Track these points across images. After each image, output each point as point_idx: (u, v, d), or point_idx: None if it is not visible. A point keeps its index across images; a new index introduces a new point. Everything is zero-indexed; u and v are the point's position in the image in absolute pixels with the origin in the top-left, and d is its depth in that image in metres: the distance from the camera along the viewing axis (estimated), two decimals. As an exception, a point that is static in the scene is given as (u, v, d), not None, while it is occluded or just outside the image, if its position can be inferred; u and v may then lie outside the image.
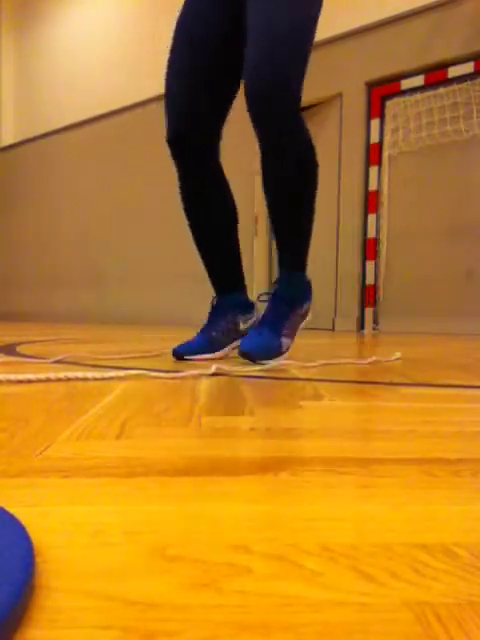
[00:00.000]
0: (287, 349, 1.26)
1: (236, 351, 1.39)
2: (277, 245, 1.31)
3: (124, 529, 0.28)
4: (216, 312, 1.40)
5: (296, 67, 1.13)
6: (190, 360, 1.27)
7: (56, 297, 6.18)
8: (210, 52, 1.26)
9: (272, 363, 1.15)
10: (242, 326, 1.41)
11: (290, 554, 0.25)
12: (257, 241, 4.66)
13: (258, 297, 1.35)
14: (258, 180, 4.63)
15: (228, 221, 1.39)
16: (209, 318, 1.40)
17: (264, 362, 1.15)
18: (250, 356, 1.17)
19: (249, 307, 1.44)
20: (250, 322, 1.43)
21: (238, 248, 1.42)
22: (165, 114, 1.31)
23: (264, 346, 1.20)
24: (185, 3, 1.30)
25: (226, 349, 1.38)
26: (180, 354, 1.28)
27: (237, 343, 1.40)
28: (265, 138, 1.17)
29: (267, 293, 1.32)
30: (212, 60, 1.27)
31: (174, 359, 1.29)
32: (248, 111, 1.14)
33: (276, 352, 1.22)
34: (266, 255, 4.78)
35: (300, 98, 1.15)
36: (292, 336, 1.29)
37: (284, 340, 1.25)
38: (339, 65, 4.08)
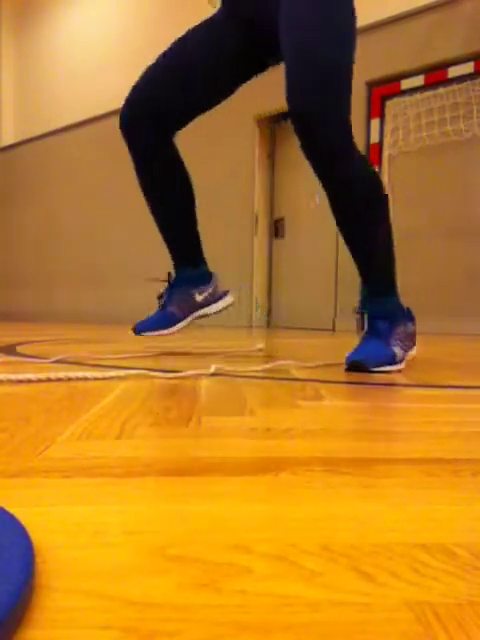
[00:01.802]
0: (401, 360, 1.14)
1: (195, 316, 1.39)
2: (357, 267, 1.23)
3: (124, 529, 0.28)
4: (173, 286, 1.42)
5: (335, 97, 1.07)
6: (148, 335, 1.29)
7: (56, 297, 6.18)
8: (203, 63, 1.25)
9: (390, 368, 1.07)
10: (198, 297, 1.41)
11: (290, 554, 0.25)
12: (257, 241, 4.66)
13: (356, 311, 1.26)
14: (259, 179, 4.63)
15: (183, 199, 1.39)
16: (167, 293, 1.42)
17: (381, 369, 1.07)
18: (360, 365, 1.06)
19: (204, 278, 1.44)
20: (207, 292, 1.43)
21: (195, 224, 1.42)
22: (127, 98, 1.32)
23: (375, 353, 1.10)
24: (206, 20, 1.29)
25: (183, 323, 1.38)
26: (139, 331, 1.31)
27: (197, 313, 1.42)
28: (318, 170, 1.10)
29: (359, 309, 1.24)
30: (203, 68, 1.25)
31: (133, 334, 1.32)
32: (300, 142, 1.08)
33: (390, 359, 1.10)
34: (266, 255, 4.78)
35: (346, 126, 1.09)
36: (404, 349, 1.17)
37: (397, 350, 1.13)
38: (339, 65, 4.07)
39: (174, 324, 1.36)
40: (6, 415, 0.58)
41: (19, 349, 1.57)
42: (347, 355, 1.10)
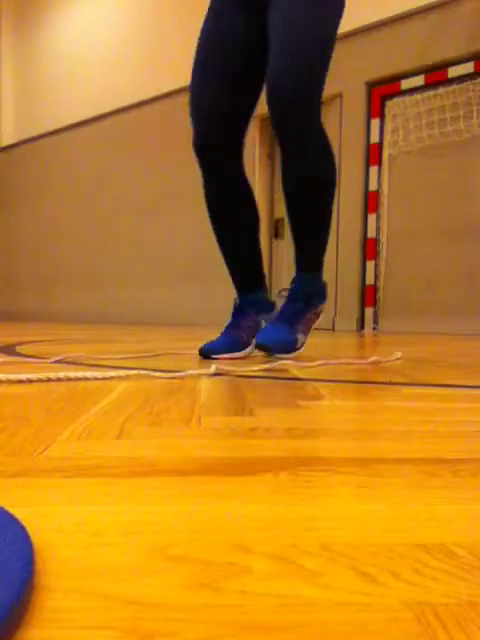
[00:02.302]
0: (301, 345, 1.32)
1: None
2: (294, 245, 1.35)
3: (124, 529, 0.28)
4: (239, 312, 1.44)
5: (315, 81, 1.18)
6: (217, 359, 1.29)
7: (56, 297, 6.18)
8: (237, 55, 1.30)
9: (288, 356, 1.22)
10: (263, 325, 1.44)
11: (290, 554, 0.25)
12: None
13: (279, 292, 1.41)
14: (259, 181, 4.63)
15: (250, 223, 1.43)
16: (232, 317, 1.44)
17: (280, 356, 1.21)
18: (268, 349, 1.23)
19: (270, 307, 1.48)
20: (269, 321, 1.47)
21: (259, 249, 1.46)
22: (191, 116, 1.33)
23: (281, 341, 1.27)
24: (211, 8, 1.31)
25: (250, 348, 1.41)
26: (207, 353, 1.31)
27: None
28: (285, 143, 1.22)
29: (286, 288, 1.37)
30: (238, 63, 1.30)
31: (201, 358, 1.31)
32: (270, 117, 1.18)
33: (292, 347, 1.28)
34: (266, 255, 4.78)
35: (319, 109, 1.21)
36: (306, 333, 1.35)
37: (299, 337, 1.31)
38: (339, 65, 4.07)
39: (241, 349, 1.39)
40: (6, 415, 0.58)
41: (19, 349, 1.57)
42: (258, 334, 1.28)
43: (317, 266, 1.37)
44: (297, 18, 1.17)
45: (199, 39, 1.33)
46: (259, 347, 1.24)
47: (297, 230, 1.32)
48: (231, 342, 1.37)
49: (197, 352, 1.34)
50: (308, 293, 1.35)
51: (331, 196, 1.30)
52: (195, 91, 1.32)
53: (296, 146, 1.21)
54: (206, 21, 1.32)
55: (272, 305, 1.49)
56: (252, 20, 1.28)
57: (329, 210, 1.32)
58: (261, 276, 1.48)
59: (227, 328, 1.42)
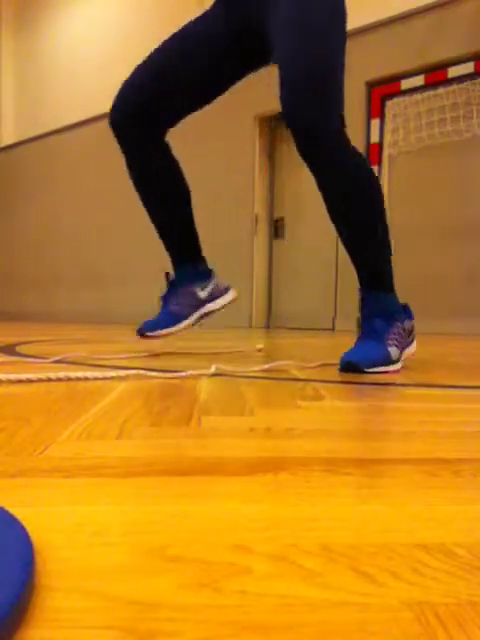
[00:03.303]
0: (398, 360, 1.13)
1: (201, 312, 1.38)
2: (353, 266, 1.22)
3: (124, 529, 0.28)
4: (171, 286, 1.40)
5: (332, 100, 1.09)
6: (154, 336, 1.26)
7: (56, 297, 6.18)
8: (191, 62, 1.25)
9: (386, 369, 1.07)
10: (200, 294, 1.40)
11: (290, 554, 0.25)
12: (257, 241, 4.66)
13: (357, 320, 1.24)
14: (259, 179, 4.63)
15: (178, 197, 1.39)
16: (167, 293, 1.40)
17: (376, 370, 1.06)
18: (354, 366, 1.04)
19: (205, 275, 1.43)
20: (209, 288, 1.41)
21: (192, 222, 1.41)
22: (117, 95, 1.31)
23: (369, 353, 1.08)
24: (195, 18, 1.29)
25: (188, 320, 1.37)
26: (143, 332, 1.28)
27: (203, 310, 1.40)
28: (313, 164, 1.12)
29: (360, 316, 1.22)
30: (191, 68, 1.26)
31: (138, 337, 1.29)
32: (295, 145, 1.10)
33: (384, 359, 1.09)
34: (266, 255, 4.78)
35: (341, 129, 1.12)
36: (401, 348, 1.16)
37: (393, 350, 1.12)
38: (339, 65, 4.08)
39: (179, 322, 1.34)
40: (6, 415, 0.58)
41: (19, 349, 1.57)
42: (341, 355, 1.09)
43: (382, 286, 1.19)
44: (301, 48, 1.08)
45: (166, 39, 1.30)
46: (345, 368, 1.05)
47: (348, 249, 1.19)
48: (167, 317, 1.33)
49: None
50: (381, 309, 1.17)
51: (373, 206, 1.16)
52: (133, 72, 1.30)
53: (323, 170, 1.12)
54: (185, 24, 1.30)
55: (208, 272, 1.43)
56: (228, 26, 1.25)
57: (374, 223, 1.17)
58: (195, 248, 1.42)
59: (163, 304, 1.37)
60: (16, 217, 6.57)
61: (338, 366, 1.08)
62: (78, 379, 0.87)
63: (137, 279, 5.44)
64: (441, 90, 3.72)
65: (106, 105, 5.91)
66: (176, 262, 1.43)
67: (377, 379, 0.97)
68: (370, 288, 1.19)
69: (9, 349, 1.57)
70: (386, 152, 3.98)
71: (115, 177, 5.54)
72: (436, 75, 3.74)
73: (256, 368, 1.06)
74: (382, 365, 1.07)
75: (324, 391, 0.80)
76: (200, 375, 0.96)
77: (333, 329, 4.17)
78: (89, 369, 1.02)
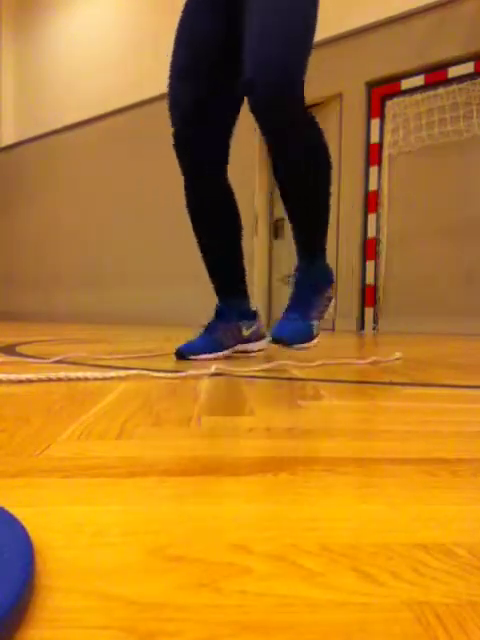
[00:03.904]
0: (318, 333, 1.29)
1: (238, 348, 1.40)
2: (293, 233, 1.31)
3: (124, 529, 0.28)
4: (219, 316, 1.41)
5: (298, 67, 1.11)
6: (193, 359, 1.27)
7: (56, 297, 6.18)
8: (210, 52, 1.26)
9: (307, 345, 1.21)
10: (245, 332, 1.42)
11: (290, 554, 0.25)
12: (257, 241, 4.66)
13: (286, 277, 1.41)
14: (258, 179, 4.63)
15: (233, 230, 1.40)
16: (212, 321, 1.40)
17: (299, 346, 1.19)
18: (284, 341, 1.18)
19: (252, 315, 1.46)
20: (251, 329, 1.44)
21: (242, 257, 1.44)
22: (171, 116, 1.31)
23: (297, 331, 1.22)
24: (185, 5, 1.30)
25: (228, 351, 1.38)
26: (183, 353, 1.28)
27: (240, 347, 1.42)
28: (270, 132, 1.16)
29: (291, 275, 1.35)
30: (213, 59, 1.27)
31: (176, 359, 1.28)
32: (251, 111, 1.12)
33: (309, 336, 1.24)
34: (266, 255, 4.78)
35: (303, 96, 1.14)
36: (320, 318, 1.32)
37: (314, 323, 1.28)
38: (339, 65, 4.08)
39: (220, 350, 1.35)
40: (6, 415, 0.58)
41: (19, 349, 1.57)
42: (272, 330, 1.23)
43: (318, 251, 1.32)
44: (274, 5, 1.11)
45: (174, 40, 1.31)
46: (275, 341, 1.20)
47: (293, 216, 1.28)
48: (208, 343, 1.33)
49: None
50: (313, 279, 1.31)
51: (325, 178, 1.25)
52: (173, 92, 1.30)
53: (282, 134, 1.15)
54: (180, 21, 1.31)
55: (255, 314, 1.46)
56: (222, 14, 1.25)
57: (325, 191, 1.26)
58: (244, 284, 1.44)
59: (206, 330, 1.37)
60: (16, 217, 6.56)
61: (269, 338, 1.23)
62: (78, 379, 0.87)
63: (137, 279, 5.44)
64: (441, 90, 3.72)
65: (106, 105, 5.92)
66: (223, 295, 1.44)
67: (377, 379, 0.97)
68: (307, 253, 1.31)
69: (9, 349, 1.57)
70: (386, 152, 3.98)
71: (115, 177, 5.54)
72: (436, 75, 3.74)
73: (256, 368, 1.06)
74: (307, 341, 1.23)
75: (324, 391, 0.80)
76: (200, 375, 0.96)
77: (333, 329, 4.17)
78: (89, 369, 1.02)
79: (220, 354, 1.35)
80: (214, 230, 1.39)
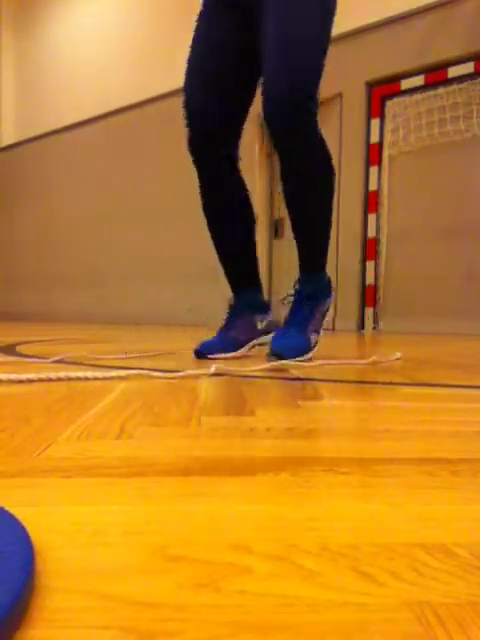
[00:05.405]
0: (315, 345, 1.32)
1: (258, 349, 1.43)
2: (297, 246, 1.35)
3: (124, 529, 0.28)
4: (233, 312, 1.44)
5: (312, 80, 1.18)
6: (212, 358, 1.29)
7: (56, 297, 6.18)
8: (226, 61, 1.31)
9: (303, 358, 1.22)
10: (259, 325, 1.44)
11: (290, 554, 0.25)
12: (257, 241, 4.66)
13: (283, 299, 1.41)
14: (259, 181, 4.63)
15: (247, 224, 1.43)
16: (227, 318, 1.44)
17: (297, 359, 1.19)
18: (282, 356, 1.19)
19: (265, 307, 1.48)
20: (266, 321, 1.46)
21: (255, 250, 1.46)
22: (186, 119, 1.34)
23: (294, 345, 1.25)
24: (200, 14, 1.33)
25: (245, 348, 1.41)
26: (202, 353, 1.31)
27: (256, 341, 1.44)
28: (281, 144, 1.22)
29: (290, 294, 1.37)
30: (229, 68, 1.31)
31: (195, 358, 1.31)
32: (264, 119, 1.18)
33: (306, 349, 1.27)
34: (266, 255, 4.78)
35: (316, 111, 1.21)
36: (318, 331, 1.35)
37: (312, 336, 1.31)
38: (339, 65, 4.07)
39: (237, 348, 1.39)
40: (6, 415, 0.58)
41: (19, 349, 1.57)
42: (270, 342, 1.27)
43: (320, 266, 1.37)
44: (291, 17, 1.17)
45: (190, 47, 1.34)
46: (274, 356, 1.21)
47: (298, 231, 1.32)
48: (226, 342, 1.37)
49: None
50: (312, 293, 1.34)
51: (330, 196, 1.30)
52: (189, 98, 1.34)
53: (293, 147, 1.21)
54: (196, 28, 1.34)
55: (268, 305, 1.49)
56: (238, 23, 1.29)
57: (329, 210, 1.31)
58: (257, 277, 1.48)
59: (222, 328, 1.42)
60: (16, 217, 6.56)
61: (267, 352, 1.25)
62: (78, 379, 0.87)
63: (137, 279, 5.44)
64: (441, 90, 3.71)
65: (106, 105, 5.91)
66: (237, 288, 1.47)
67: (377, 379, 0.97)
68: (308, 267, 1.34)
69: (9, 349, 1.57)
70: (386, 152, 3.98)
71: (115, 177, 5.54)
72: (436, 75, 3.74)
73: (256, 368, 1.06)
74: (304, 353, 1.25)
75: (324, 391, 0.80)
76: (200, 375, 0.96)
77: (333, 329, 4.17)
78: (89, 369, 1.02)
79: (237, 353, 1.38)
80: (228, 226, 1.42)
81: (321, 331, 1.38)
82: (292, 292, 1.37)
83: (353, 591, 0.22)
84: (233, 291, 1.47)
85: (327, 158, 1.28)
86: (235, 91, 1.33)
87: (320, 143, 1.25)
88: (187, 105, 1.33)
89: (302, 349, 1.26)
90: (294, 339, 1.27)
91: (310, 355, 1.28)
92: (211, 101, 1.31)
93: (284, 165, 1.26)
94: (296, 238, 1.33)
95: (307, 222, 1.31)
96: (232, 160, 1.38)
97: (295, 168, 1.25)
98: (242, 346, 1.40)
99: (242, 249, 1.45)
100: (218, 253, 1.45)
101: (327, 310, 1.40)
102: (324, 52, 1.21)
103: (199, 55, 1.32)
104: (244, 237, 1.44)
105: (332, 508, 0.31)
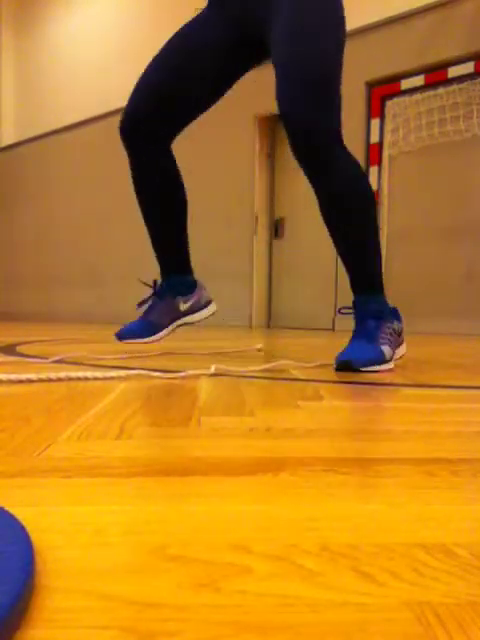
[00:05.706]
0: (391, 359, 1.16)
1: (179, 323, 1.42)
2: (345, 269, 1.27)
3: (124, 529, 0.28)
4: (157, 295, 1.43)
5: (327, 101, 1.14)
6: (129, 342, 1.33)
7: (56, 297, 6.18)
8: (202, 66, 1.27)
9: (378, 368, 1.10)
10: (183, 306, 1.43)
11: (290, 554, 0.25)
12: (257, 241, 4.66)
13: (339, 310, 1.32)
14: (259, 179, 4.63)
15: (177, 210, 1.41)
16: (151, 301, 1.44)
17: (370, 369, 1.08)
18: (349, 364, 1.08)
19: (190, 287, 1.45)
20: (191, 301, 1.44)
21: (186, 236, 1.44)
22: (134, 99, 1.33)
23: (363, 352, 1.12)
24: (190, 20, 1.31)
25: (165, 331, 1.40)
26: (122, 337, 1.34)
27: (180, 321, 1.43)
28: (310, 169, 1.18)
29: (348, 308, 1.28)
30: (202, 75, 1.28)
31: (116, 340, 1.35)
32: (291, 146, 1.14)
33: (378, 358, 1.12)
34: (266, 255, 4.78)
35: (338, 130, 1.17)
36: (393, 347, 1.19)
37: (385, 348, 1.15)
38: (339, 65, 4.07)
39: (156, 332, 1.38)
40: (6, 415, 0.58)
41: (19, 349, 1.57)
42: (336, 355, 1.12)
43: (369, 286, 1.25)
44: (305, 51, 1.12)
45: (173, 35, 1.32)
46: (341, 367, 1.08)
47: (341, 252, 1.24)
48: (145, 327, 1.38)
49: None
50: (374, 309, 1.22)
51: (365, 212, 1.21)
52: (143, 74, 1.32)
53: (321, 171, 1.17)
54: (188, 23, 1.31)
55: (193, 285, 1.47)
56: (235, 42, 1.27)
57: (366, 227, 1.21)
58: (184, 261, 1.46)
59: (144, 313, 1.42)
60: (16, 217, 6.56)
61: (334, 365, 1.11)
62: (78, 379, 0.87)
63: (137, 279, 5.44)
64: (441, 90, 3.71)
65: (106, 105, 5.91)
66: (165, 273, 1.45)
67: (377, 379, 0.97)
68: (362, 290, 1.25)
69: (9, 349, 1.57)
70: (386, 152, 3.98)
71: (115, 177, 5.54)
72: (436, 75, 3.74)
73: (256, 368, 1.06)
74: (376, 364, 1.11)
75: (324, 391, 0.80)
76: (200, 375, 0.96)
77: (333, 329, 4.17)
78: (89, 369, 1.02)
79: (157, 337, 1.38)
80: (157, 210, 1.41)
81: (399, 349, 1.24)
82: (350, 309, 1.27)
83: (353, 591, 0.22)
84: (162, 274, 1.46)
85: (354, 175, 1.20)
86: (192, 89, 1.30)
87: (345, 161, 1.19)
88: (136, 86, 1.33)
89: (374, 357, 1.11)
90: (361, 349, 1.13)
91: (389, 365, 1.14)
92: (159, 85, 1.29)
93: (313, 186, 1.20)
94: (341, 259, 1.25)
95: (348, 241, 1.22)
96: (164, 145, 1.36)
97: (323, 189, 1.19)
98: (162, 329, 1.39)
99: (173, 234, 1.43)
100: (151, 237, 1.44)
101: (398, 332, 1.25)
102: (340, 81, 1.17)
103: (167, 49, 1.29)
104: (174, 221, 1.42)
105: (332, 508, 0.31)
